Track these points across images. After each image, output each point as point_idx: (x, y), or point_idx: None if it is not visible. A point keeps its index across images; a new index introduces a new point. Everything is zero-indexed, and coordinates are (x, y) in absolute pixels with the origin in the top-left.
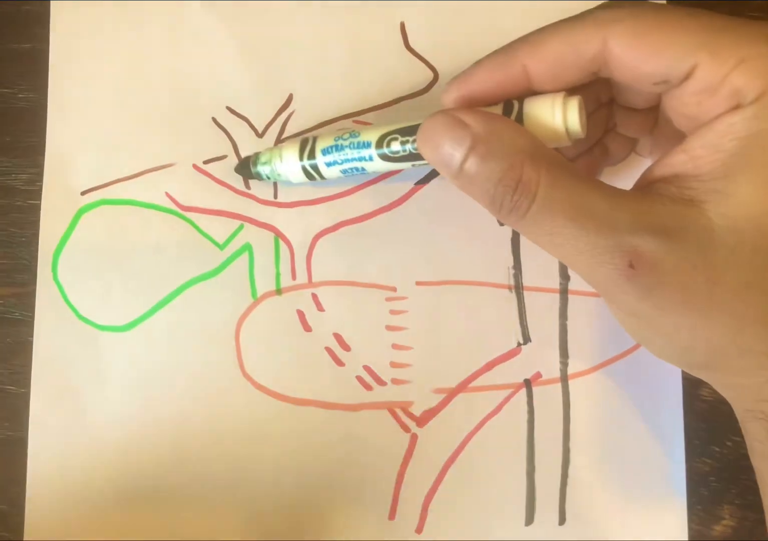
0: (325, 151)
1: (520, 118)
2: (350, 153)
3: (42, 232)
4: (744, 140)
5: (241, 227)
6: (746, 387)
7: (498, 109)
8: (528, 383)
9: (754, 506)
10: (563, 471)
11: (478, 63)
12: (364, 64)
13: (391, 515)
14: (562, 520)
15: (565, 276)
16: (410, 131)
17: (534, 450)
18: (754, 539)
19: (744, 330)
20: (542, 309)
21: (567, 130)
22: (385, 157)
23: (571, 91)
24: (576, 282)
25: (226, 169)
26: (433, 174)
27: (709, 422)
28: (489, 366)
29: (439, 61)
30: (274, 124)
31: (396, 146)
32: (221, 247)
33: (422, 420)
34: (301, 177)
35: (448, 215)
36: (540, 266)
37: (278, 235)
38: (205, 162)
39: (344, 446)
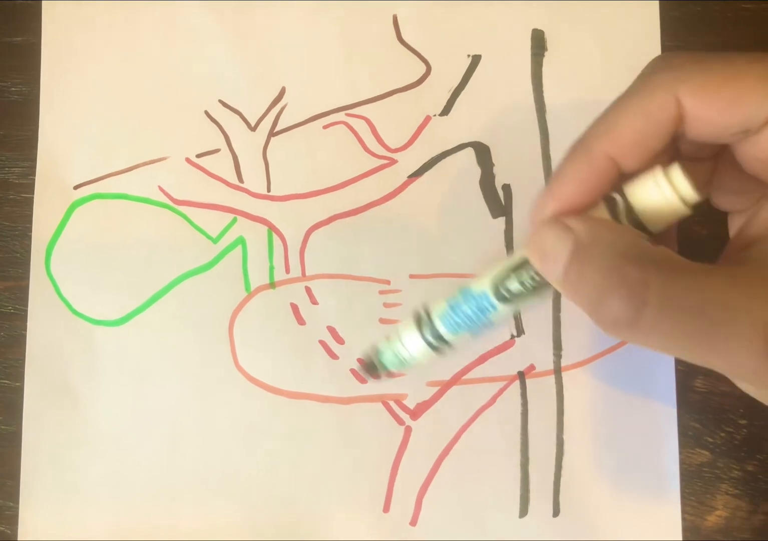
0: (444, 318)
1: (630, 210)
2: (469, 310)
3: (35, 226)
4: None
5: (234, 221)
6: None
7: (603, 210)
8: (522, 376)
9: (746, 497)
10: (557, 463)
11: (560, 172)
12: (357, 57)
13: (386, 507)
14: (556, 511)
15: None
16: (521, 265)
17: (528, 442)
18: (747, 530)
19: None
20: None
21: (683, 200)
22: (506, 301)
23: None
24: None
25: (219, 163)
26: (425, 166)
27: (702, 414)
28: (483, 359)
29: (432, 54)
30: (266, 118)
31: (515, 285)
32: (214, 240)
33: (416, 413)
34: (430, 353)
35: (441, 208)
36: None
37: (272, 228)
38: (198, 156)
39: (338, 438)
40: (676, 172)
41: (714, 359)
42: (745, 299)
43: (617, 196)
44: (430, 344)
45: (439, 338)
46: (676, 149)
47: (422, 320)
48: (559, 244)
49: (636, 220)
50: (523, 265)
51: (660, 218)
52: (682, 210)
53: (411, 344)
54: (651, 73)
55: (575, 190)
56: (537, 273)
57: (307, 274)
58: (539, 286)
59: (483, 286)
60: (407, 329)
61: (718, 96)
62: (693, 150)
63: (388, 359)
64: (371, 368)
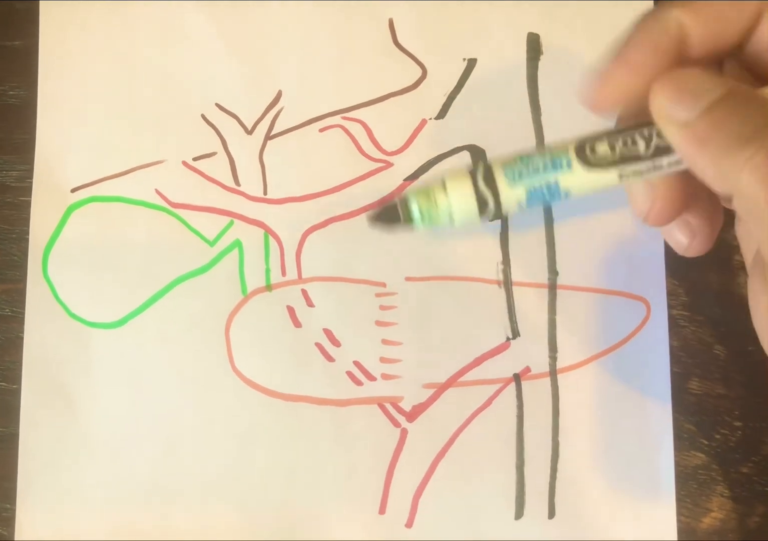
0: (506, 165)
1: None
2: (540, 162)
3: (32, 229)
4: None
5: (230, 224)
6: None
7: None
8: (517, 378)
9: (742, 499)
10: (552, 465)
11: (630, 37)
12: (353, 61)
13: (382, 509)
14: (551, 513)
15: (553, 271)
16: (617, 132)
17: (523, 444)
18: (742, 531)
19: None
20: (531, 304)
21: None
22: (585, 162)
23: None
24: (565, 277)
25: (215, 166)
26: (421, 170)
27: (697, 416)
28: (478, 361)
29: (428, 58)
30: (263, 121)
31: (603, 147)
32: (211, 243)
33: (412, 415)
34: (471, 209)
35: None
36: (529, 261)
37: (268, 231)
38: (195, 159)
39: (334, 441)
40: None
41: None
42: None
43: None
44: (478, 193)
45: (493, 186)
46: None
47: (479, 166)
48: (706, 86)
49: None
50: (620, 132)
51: None
52: None
53: (454, 189)
54: None
55: (646, 55)
56: (633, 141)
57: (303, 276)
58: (628, 154)
59: (567, 142)
60: (456, 173)
61: None
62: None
63: (417, 203)
64: (391, 212)
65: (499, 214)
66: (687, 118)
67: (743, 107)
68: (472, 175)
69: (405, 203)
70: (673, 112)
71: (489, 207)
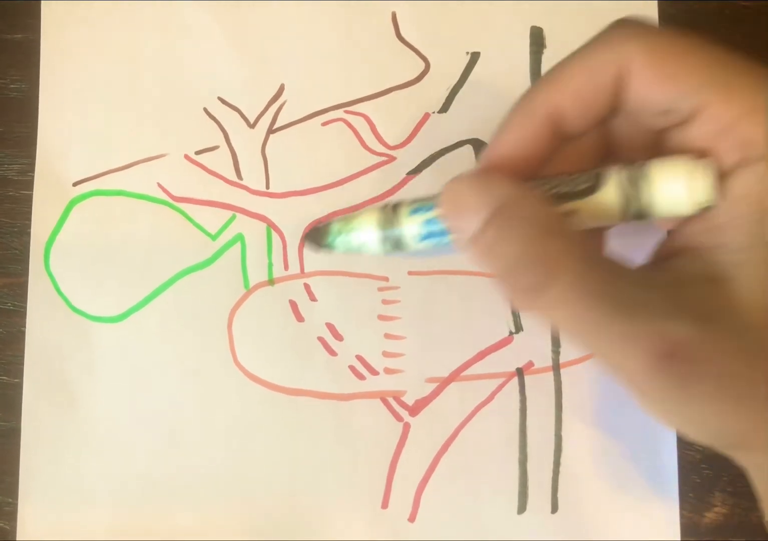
0: (412, 202)
1: (636, 183)
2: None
3: (34, 223)
4: (762, 203)
5: (233, 218)
6: None
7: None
8: (520, 372)
9: (745, 494)
10: (555, 459)
11: (502, 123)
12: (356, 55)
13: (384, 503)
14: (554, 508)
15: None
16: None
17: (526, 439)
18: (744, 527)
19: None
20: None
21: (697, 200)
22: None
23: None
24: None
25: (217, 160)
26: (424, 164)
27: None
28: (481, 355)
29: (431, 52)
30: (265, 115)
31: None
32: (213, 237)
33: (415, 409)
34: (376, 241)
35: None
36: None
37: (270, 225)
38: (197, 152)
39: (337, 435)
40: (706, 171)
41: (602, 350)
42: (647, 298)
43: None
44: (382, 220)
45: (396, 216)
46: (611, 142)
47: (389, 204)
48: (477, 203)
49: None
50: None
51: (666, 205)
52: (689, 209)
53: (363, 221)
54: (603, 33)
55: (515, 142)
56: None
57: (305, 271)
58: None
59: None
60: (368, 209)
61: (655, 64)
62: (627, 138)
63: (336, 229)
64: (317, 234)
65: (399, 245)
66: (466, 235)
67: (514, 224)
68: (383, 207)
69: (327, 227)
70: (454, 228)
71: (391, 235)
